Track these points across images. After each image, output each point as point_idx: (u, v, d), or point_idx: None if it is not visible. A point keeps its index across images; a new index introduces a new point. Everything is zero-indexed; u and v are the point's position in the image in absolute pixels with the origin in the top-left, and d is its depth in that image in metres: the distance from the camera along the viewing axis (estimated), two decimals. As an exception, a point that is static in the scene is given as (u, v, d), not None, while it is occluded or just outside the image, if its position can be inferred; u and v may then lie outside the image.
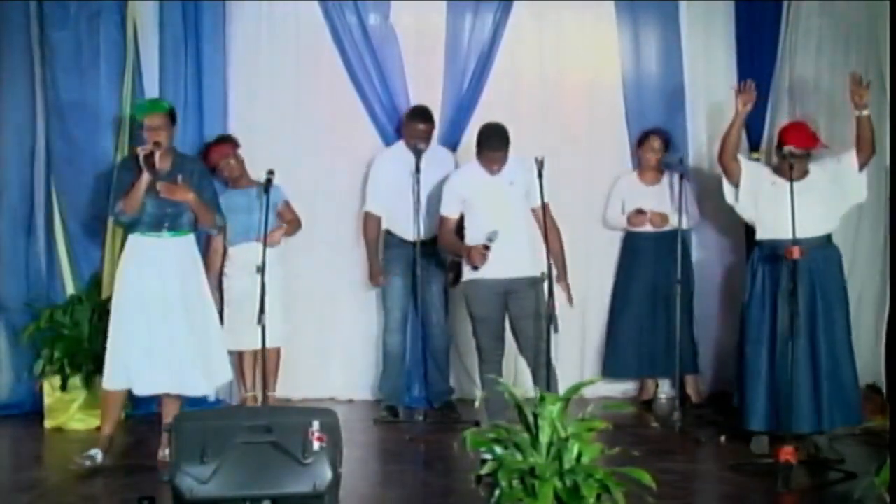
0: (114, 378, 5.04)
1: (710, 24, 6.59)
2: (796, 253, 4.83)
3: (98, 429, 5.29)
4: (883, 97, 6.28)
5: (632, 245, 6.35)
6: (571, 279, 5.54)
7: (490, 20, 6.44)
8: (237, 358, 6.15)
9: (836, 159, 5.31)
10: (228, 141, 6.08)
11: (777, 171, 5.25)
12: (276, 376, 6.10)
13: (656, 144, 6.25)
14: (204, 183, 5.23)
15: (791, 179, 4.97)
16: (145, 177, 4.95)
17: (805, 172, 5.19)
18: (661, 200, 6.22)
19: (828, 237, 5.27)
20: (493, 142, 5.31)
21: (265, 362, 6.01)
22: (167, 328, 5.02)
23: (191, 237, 5.21)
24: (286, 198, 6.08)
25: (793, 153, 5.09)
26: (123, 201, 5.02)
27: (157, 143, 4.99)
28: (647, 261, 6.23)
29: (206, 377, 5.15)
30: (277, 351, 6.08)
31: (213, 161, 6.01)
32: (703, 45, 6.59)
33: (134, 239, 5.11)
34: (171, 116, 5.17)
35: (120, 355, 5.02)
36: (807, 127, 5.42)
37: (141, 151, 4.95)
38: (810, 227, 5.00)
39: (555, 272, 5.36)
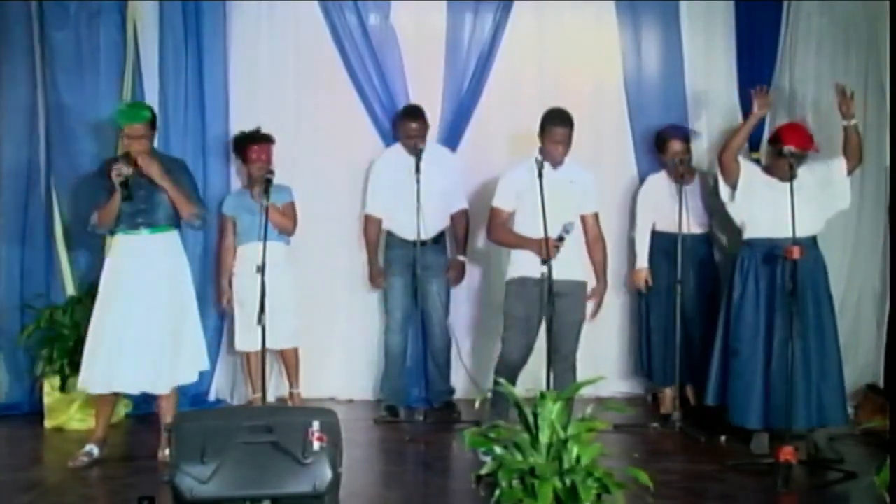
0: (90, 381, 5.06)
1: (710, 24, 6.58)
2: (796, 253, 4.84)
3: (98, 429, 5.29)
4: (882, 98, 6.30)
5: (661, 247, 6.07)
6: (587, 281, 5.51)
7: (490, 20, 6.43)
8: (244, 359, 6.16)
9: (827, 165, 5.32)
10: (268, 140, 6.04)
11: (767, 170, 5.27)
12: (299, 374, 6.14)
13: (677, 147, 6.02)
14: (182, 176, 5.22)
15: (791, 179, 4.98)
16: (119, 197, 4.99)
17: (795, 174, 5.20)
18: (695, 202, 6.02)
19: (813, 239, 5.26)
20: (557, 120, 5.34)
21: (286, 363, 6.12)
22: (145, 328, 5.01)
23: (173, 234, 5.20)
24: (293, 199, 6.07)
25: (793, 153, 5.10)
26: (98, 216, 5.11)
27: (127, 157, 5.01)
28: (679, 263, 5.85)
29: (173, 374, 5.13)
30: (295, 350, 6.12)
31: (252, 157, 5.99)
32: (704, 44, 6.58)
33: (115, 239, 5.16)
34: (153, 123, 5.17)
35: (98, 357, 5.03)
36: (804, 128, 5.42)
37: (116, 178, 4.95)
38: (799, 228, 5.01)
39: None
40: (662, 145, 6.12)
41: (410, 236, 5.94)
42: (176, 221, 5.21)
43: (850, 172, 5.31)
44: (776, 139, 5.27)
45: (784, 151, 5.12)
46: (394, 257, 6.15)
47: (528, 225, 5.31)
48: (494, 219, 5.47)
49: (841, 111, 5.26)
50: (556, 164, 5.33)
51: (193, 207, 5.19)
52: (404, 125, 6.10)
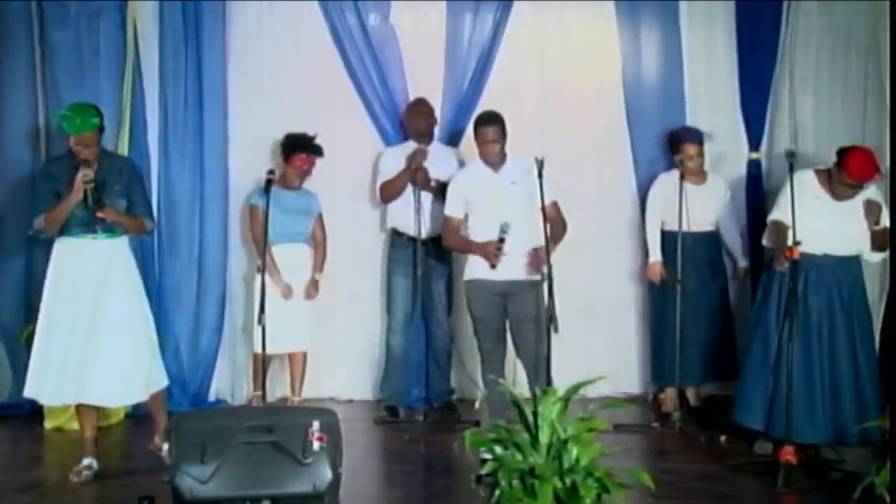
0: (42, 391, 4.90)
1: (710, 24, 6.59)
2: (795, 254, 4.83)
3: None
4: (882, 98, 6.29)
5: (672, 245, 5.96)
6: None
7: (490, 20, 6.44)
8: (254, 357, 6.11)
9: (867, 220, 5.13)
10: (319, 154, 6.08)
11: (825, 178, 5.11)
12: (303, 380, 6.13)
13: (692, 150, 6.01)
14: (134, 185, 4.99)
15: (791, 188, 4.95)
16: (74, 200, 4.72)
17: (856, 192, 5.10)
18: (705, 201, 6.03)
19: (857, 258, 5.21)
20: (485, 120, 5.35)
21: (293, 366, 6.10)
22: (112, 336, 4.80)
23: (124, 239, 5.01)
24: (321, 210, 6.12)
25: (851, 184, 5.01)
26: (45, 219, 4.81)
27: (86, 161, 4.74)
28: (687, 263, 5.84)
29: (129, 386, 4.90)
30: (304, 355, 6.11)
31: (296, 164, 6.00)
32: (704, 44, 6.59)
33: (65, 242, 4.88)
34: (101, 126, 4.86)
35: (52, 366, 4.82)
36: (869, 156, 5.06)
37: (84, 184, 4.69)
38: (847, 246, 5.04)
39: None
40: (676, 146, 6.10)
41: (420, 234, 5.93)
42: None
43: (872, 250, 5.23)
44: (841, 161, 5.03)
45: (785, 151, 5.11)
46: (398, 256, 6.14)
47: (479, 229, 5.34)
48: (445, 226, 5.51)
49: (868, 221, 5.08)
50: (494, 165, 5.33)
51: (141, 224, 5.02)
52: (414, 111, 6.17)
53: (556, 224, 5.35)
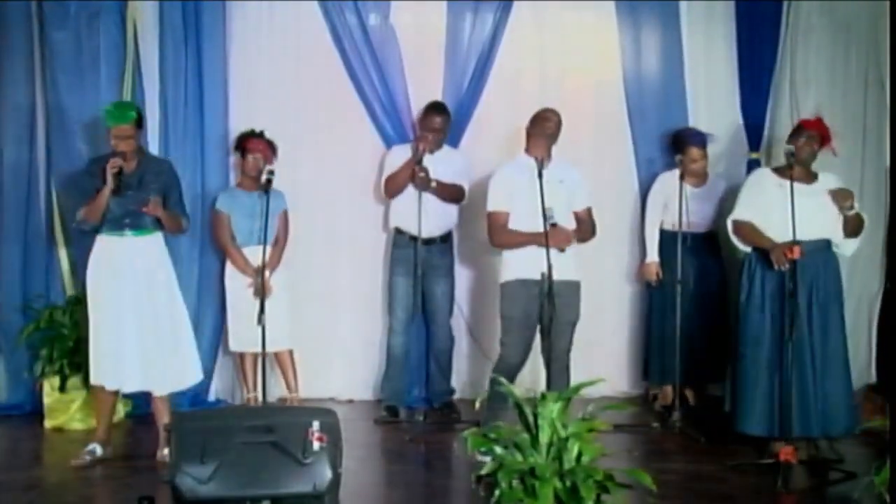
0: (102, 376, 5.09)
1: (710, 24, 6.60)
2: (796, 252, 4.83)
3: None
4: (882, 97, 6.30)
5: (670, 245, 6.05)
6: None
7: (490, 20, 6.44)
8: (238, 359, 6.16)
9: (839, 207, 5.11)
10: (270, 145, 6.07)
11: (780, 171, 5.15)
12: (297, 376, 6.11)
13: (695, 154, 6.04)
14: (171, 184, 5.23)
15: (791, 188, 4.92)
16: (108, 190, 4.99)
17: (814, 178, 5.13)
18: (705, 201, 6.09)
19: (828, 242, 5.16)
20: (546, 111, 5.40)
21: (282, 365, 6.09)
22: (135, 328, 5.04)
23: (157, 236, 5.19)
24: (286, 207, 6.07)
25: (793, 153, 5.06)
26: (85, 210, 5.07)
27: (122, 154, 5.02)
28: (686, 262, 5.87)
29: (171, 376, 5.17)
30: (290, 352, 6.10)
31: (248, 148, 6.02)
32: (704, 44, 6.60)
33: (99, 239, 5.13)
34: (139, 122, 5.15)
35: (103, 355, 5.07)
36: (825, 124, 5.25)
37: (111, 169, 4.98)
38: (813, 230, 4.99)
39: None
40: (680, 147, 6.10)
41: (422, 234, 5.91)
42: (161, 225, 5.19)
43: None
44: (798, 131, 5.18)
45: (785, 151, 5.11)
46: (400, 256, 6.11)
47: (520, 225, 5.25)
48: (492, 223, 5.33)
49: (839, 206, 5.08)
50: (543, 161, 5.24)
51: (179, 223, 5.25)
52: (428, 117, 6.07)
53: (586, 228, 5.38)
